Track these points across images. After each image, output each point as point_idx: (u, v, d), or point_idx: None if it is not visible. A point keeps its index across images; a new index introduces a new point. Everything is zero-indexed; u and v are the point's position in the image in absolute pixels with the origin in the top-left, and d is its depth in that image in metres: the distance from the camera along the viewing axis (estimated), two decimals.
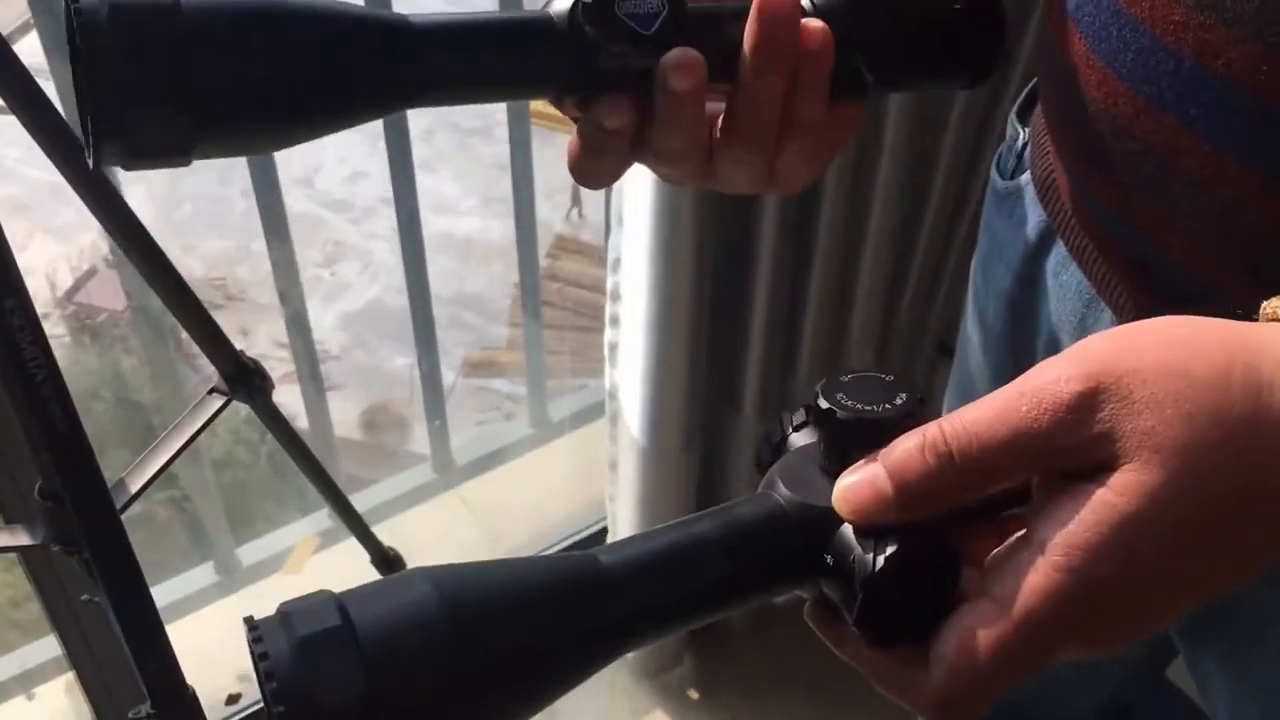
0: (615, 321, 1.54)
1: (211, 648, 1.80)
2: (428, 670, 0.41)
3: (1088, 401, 0.42)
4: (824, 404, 0.48)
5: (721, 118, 0.57)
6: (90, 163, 0.48)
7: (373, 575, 1.51)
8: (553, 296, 4.94)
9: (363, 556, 1.52)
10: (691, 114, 0.55)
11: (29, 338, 0.80)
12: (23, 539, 1.02)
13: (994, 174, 0.81)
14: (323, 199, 5.45)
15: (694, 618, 0.48)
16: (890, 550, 0.45)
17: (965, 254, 1.59)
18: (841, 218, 1.50)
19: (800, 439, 0.52)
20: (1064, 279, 0.72)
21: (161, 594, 1.68)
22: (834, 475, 0.47)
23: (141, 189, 4.77)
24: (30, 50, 1.20)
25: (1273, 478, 0.42)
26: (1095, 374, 0.43)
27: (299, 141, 0.51)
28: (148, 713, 0.97)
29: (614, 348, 1.58)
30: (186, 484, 2.16)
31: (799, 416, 0.52)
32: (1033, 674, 0.44)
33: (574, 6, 0.54)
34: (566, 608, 0.44)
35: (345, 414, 4.54)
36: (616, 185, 1.38)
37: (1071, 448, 0.43)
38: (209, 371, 1.20)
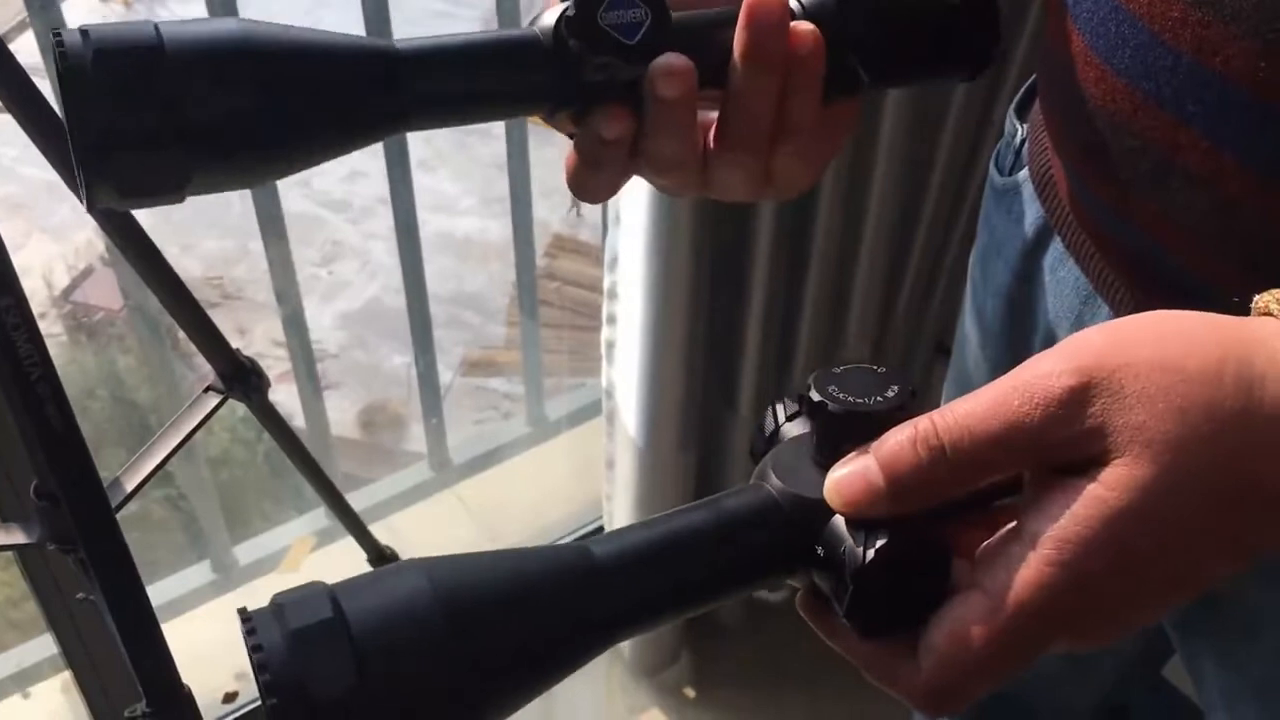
0: (612, 320, 1.54)
1: (208, 646, 1.80)
2: (420, 661, 0.41)
3: (1079, 396, 0.43)
4: (816, 396, 0.48)
5: (715, 124, 0.57)
6: (85, 205, 0.49)
7: None
8: (550, 296, 4.94)
9: (359, 555, 1.52)
10: (683, 120, 0.55)
11: (24, 336, 0.80)
12: (18, 538, 1.02)
13: (992, 170, 0.81)
14: (321, 198, 5.45)
15: (686, 607, 0.48)
16: (881, 542, 0.45)
17: (962, 251, 1.59)
18: (838, 216, 1.50)
19: (793, 430, 0.52)
20: (1061, 275, 0.72)
21: (158, 593, 1.68)
22: (826, 467, 0.47)
23: None
24: (27, 50, 1.20)
25: (1264, 471, 0.42)
26: (1087, 368, 0.43)
27: (292, 172, 0.51)
28: (144, 711, 0.97)
29: (611, 346, 1.58)
30: (183, 482, 2.16)
31: (791, 407, 0.52)
32: (1022, 667, 0.45)
33: (558, 22, 0.53)
34: (559, 598, 0.44)
35: (342, 413, 4.54)
36: None
37: (1063, 442, 0.43)
38: (206, 370, 1.20)
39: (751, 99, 0.55)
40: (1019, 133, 0.78)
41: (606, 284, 1.51)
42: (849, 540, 0.46)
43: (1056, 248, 0.72)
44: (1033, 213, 0.74)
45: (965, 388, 0.88)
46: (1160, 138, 0.58)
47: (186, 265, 4.85)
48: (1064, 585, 0.42)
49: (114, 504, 0.96)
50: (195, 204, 0.53)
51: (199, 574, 1.94)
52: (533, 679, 0.43)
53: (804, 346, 1.63)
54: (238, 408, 1.21)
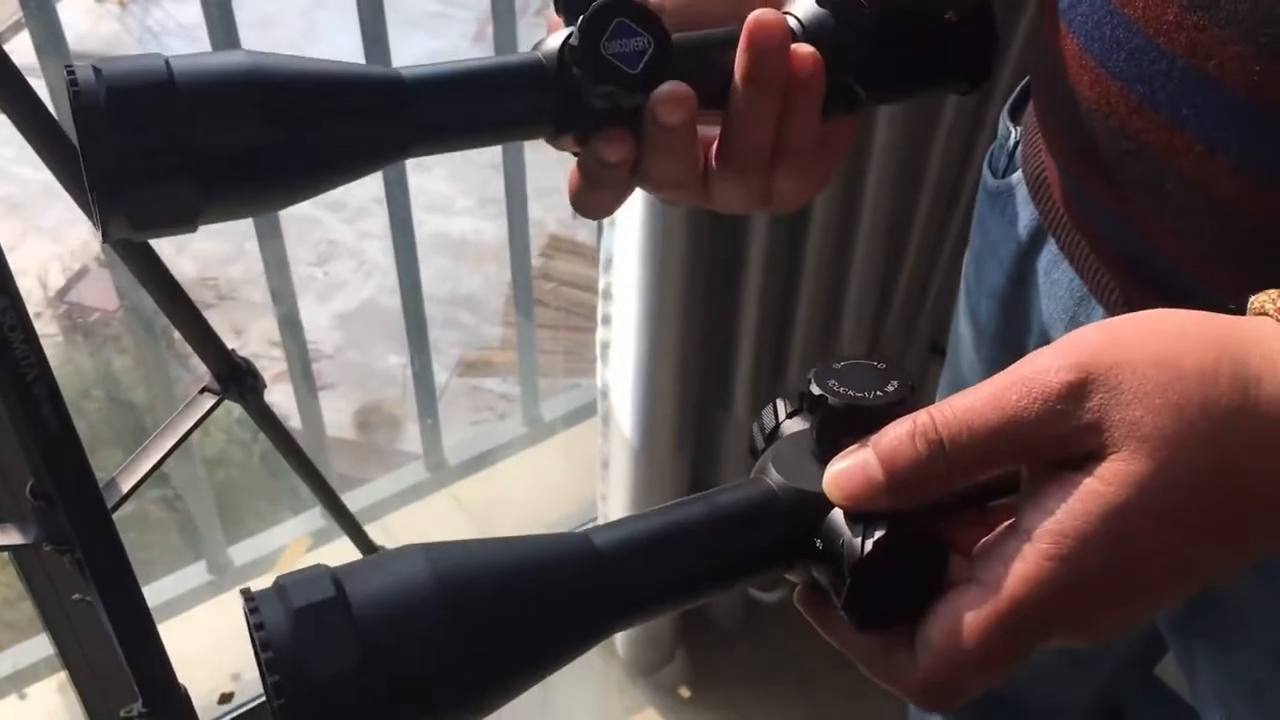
0: (607, 321, 1.54)
1: (204, 647, 1.80)
2: (421, 642, 0.41)
3: (1077, 391, 0.43)
4: (816, 390, 0.48)
5: (715, 144, 0.58)
6: (100, 236, 0.50)
7: None
8: (546, 296, 4.94)
9: (355, 555, 1.51)
10: (684, 144, 0.56)
11: (20, 337, 0.80)
12: (14, 538, 1.02)
13: (985, 172, 0.81)
14: (316, 198, 5.45)
15: (685, 598, 0.48)
16: (879, 535, 0.45)
17: (957, 253, 1.59)
18: (833, 217, 1.50)
19: (793, 425, 0.52)
20: (1056, 277, 0.72)
21: (154, 593, 1.68)
22: (825, 461, 0.48)
23: None
24: (23, 50, 1.20)
25: (1259, 469, 0.43)
26: (1085, 364, 0.43)
27: (300, 200, 0.52)
28: (140, 712, 0.97)
29: (606, 347, 1.58)
30: (179, 483, 2.16)
31: (791, 403, 0.53)
32: (1019, 662, 0.45)
33: (561, 48, 0.54)
34: (559, 585, 0.44)
35: (338, 413, 4.53)
36: None
37: (1061, 437, 0.43)
38: (201, 371, 1.20)
39: (752, 120, 0.55)
40: (1013, 135, 0.78)
41: (601, 285, 1.51)
42: (847, 533, 0.46)
43: (1051, 249, 0.73)
44: (1027, 215, 0.75)
45: (959, 387, 0.88)
46: (1155, 141, 0.58)
47: (182, 265, 4.85)
48: (1061, 579, 0.43)
49: (110, 504, 0.96)
50: None
51: (195, 574, 1.94)
52: (532, 664, 0.44)
53: (798, 347, 1.63)
54: (233, 408, 1.21)
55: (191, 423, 1.16)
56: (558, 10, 0.56)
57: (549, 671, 0.44)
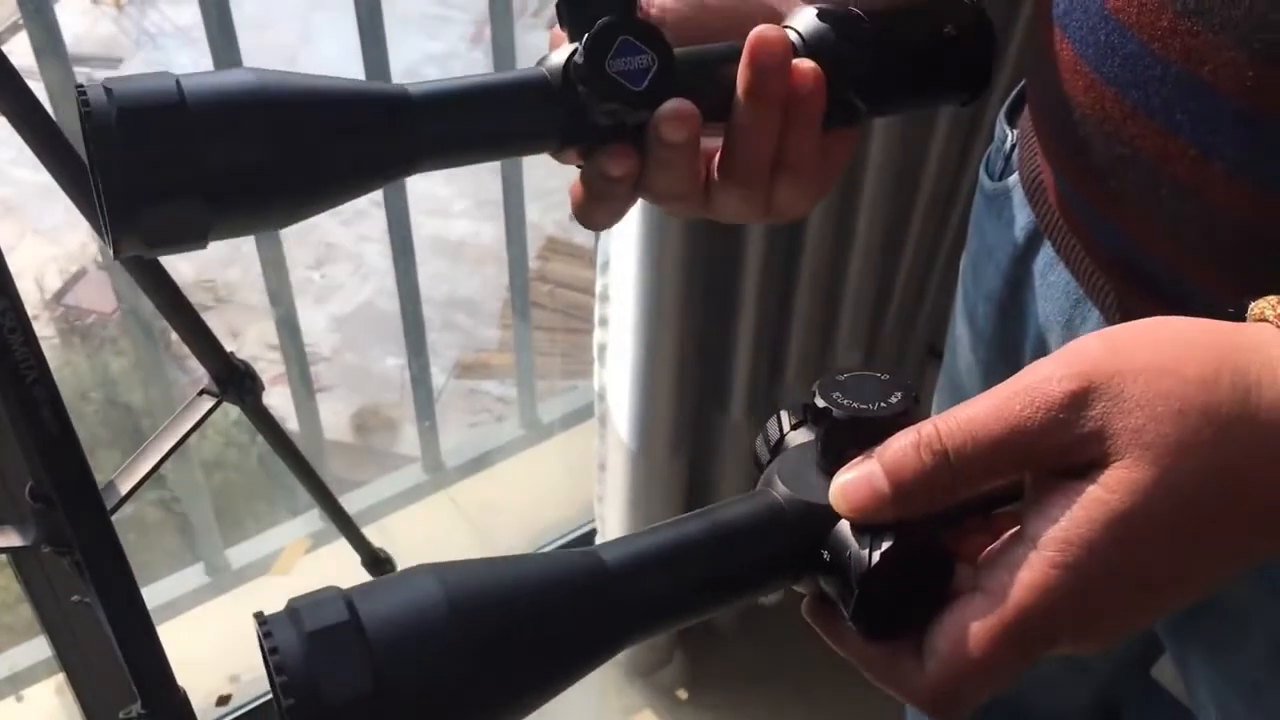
0: (604, 323, 1.54)
1: (202, 649, 1.80)
2: (435, 664, 0.41)
3: (1080, 400, 0.43)
4: (820, 403, 0.49)
5: (717, 156, 0.58)
6: (111, 253, 0.50)
7: (363, 576, 1.51)
8: (543, 298, 4.94)
9: (353, 557, 1.52)
10: (687, 160, 0.56)
11: (20, 339, 0.81)
12: (14, 540, 1.02)
13: (982, 175, 0.82)
14: None
15: (695, 612, 0.48)
16: (886, 546, 0.45)
17: (954, 255, 1.59)
18: (830, 220, 1.50)
19: (797, 437, 0.52)
20: (1052, 279, 0.73)
21: (151, 595, 1.68)
22: (830, 473, 0.48)
23: None
24: (21, 51, 1.20)
25: (1261, 474, 0.43)
26: (1087, 373, 0.44)
27: (309, 216, 0.53)
28: (138, 713, 0.97)
29: (603, 349, 1.58)
30: (176, 485, 2.16)
31: (795, 415, 0.53)
32: (1025, 669, 0.45)
33: (566, 65, 0.54)
34: (569, 604, 0.45)
35: (336, 415, 4.53)
36: None
37: (1064, 445, 0.43)
38: (199, 373, 1.20)
39: (753, 134, 0.56)
40: (1009, 138, 0.79)
41: (599, 287, 1.51)
42: (854, 545, 0.46)
43: (1047, 252, 0.73)
44: (1023, 218, 0.75)
45: (956, 391, 0.89)
46: (1149, 146, 0.58)
47: (179, 268, 4.85)
48: (1066, 587, 0.43)
49: (109, 506, 0.96)
50: None
51: (193, 576, 1.94)
52: (544, 683, 0.44)
53: (796, 349, 1.63)
54: (231, 411, 1.21)
55: (190, 425, 1.17)
56: (561, 24, 0.56)
57: (561, 689, 0.45)
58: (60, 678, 1.64)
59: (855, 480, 0.46)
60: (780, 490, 0.49)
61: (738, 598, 0.49)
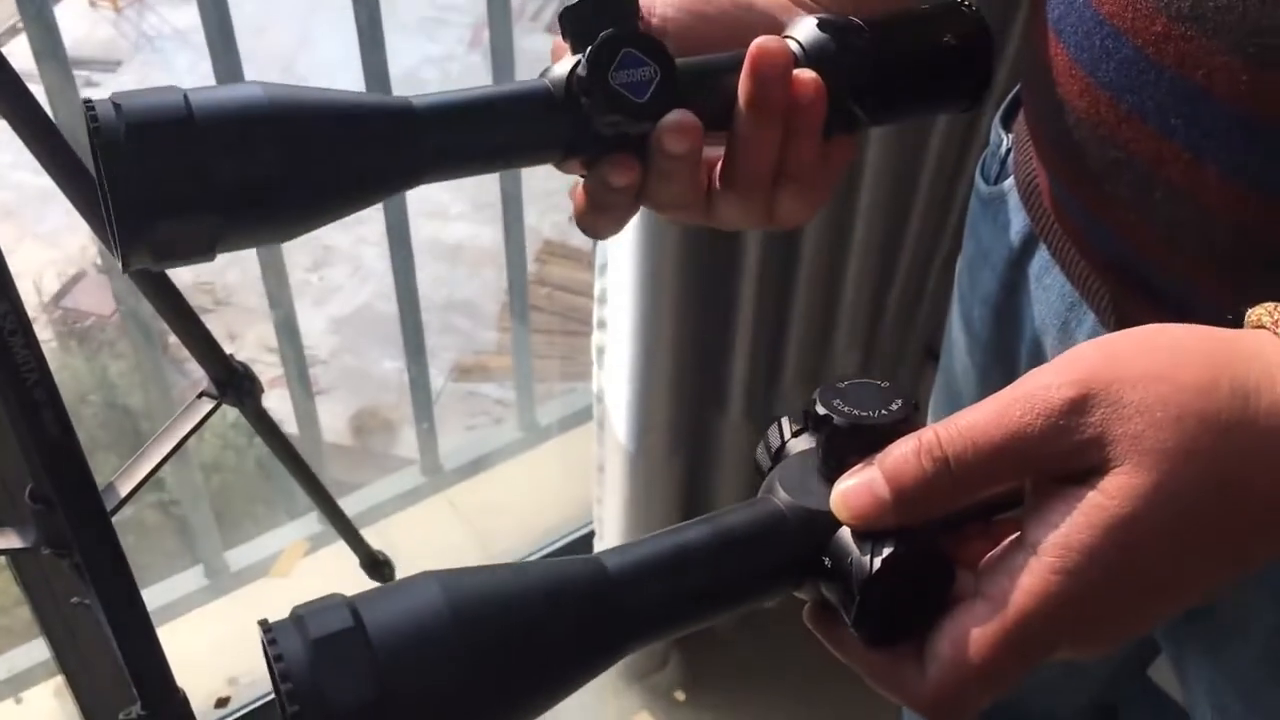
0: (603, 325, 1.54)
1: (200, 651, 1.80)
2: (438, 671, 0.41)
3: (1079, 406, 0.44)
4: (821, 410, 0.49)
5: (719, 165, 0.58)
6: (120, 266, 0.50)
7: (361, 578, 1.51)
8: (541, 301, 4.94)
9: (352, 560, 1.52)
10: (689, 170, 0.57)
11: (21, 342, 0.81)
12: (13, 542, 1.02)
13: (977, 179, 0.82)
14: None
15: (698, 619, 0.49)
16: (887, 552, 0.46)
17: (951, 257, 1.60)
18: (828, 223, 1.50)
19: (798, 445, 0.52)
20: (1047, 283, 0.73)
21: (150, 598, 1.68)
22: (831, 480, 0.48)
23: None
24: (21, 54, 1.21)
25: (1259, 480, 0.43)
26: (1086, 380, 0.44)
27: (315, 228, 0.53)
28: (138, 714, 0.97)
29: (601, 351, 1.58)
30: (175, 488, 2.16)
31: (796, 423, 0.53)
32: (1026, 674, 0.45)
33: (570, 77, 0.55)
34: (572, 611, 0.45)
35: (334, 418, 4.54)
36: None
37: (1064, 452, 0.44)
38: (197, 376, 1.20)
39: (754, 144, 0.56)
40: (1004, 142, 0.79)
41: (597, 289, 1.52)
42: (856, 551, 0.47)
43: (1042, 256, 0.73)
44: (1018, 221, 0.75)
45: (953, 394, 0.89)
46: (1143, 150, 0.59)
47: (178, 271, 4.85)
48: (1067, 592, 0.43)
49: (109, 508, 0.96)
50: None
51: (191, 579, 1.94)
52: (547, 690, 0.44)
53: (794, 351, 1.63)
54: (229, 414, 1.21)
55: (189, 427, 1.17)
56: (564, 35, 0.56)
57: (563, 696, 0.45)
58: (59, 680, 1.64)
59: (856, 487, 0.47)
60: (781, 497, 0.49)
61: (740, 605, 0.49)
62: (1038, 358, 0.75)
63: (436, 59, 6.63)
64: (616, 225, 0.60)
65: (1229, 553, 0.45)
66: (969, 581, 0.47)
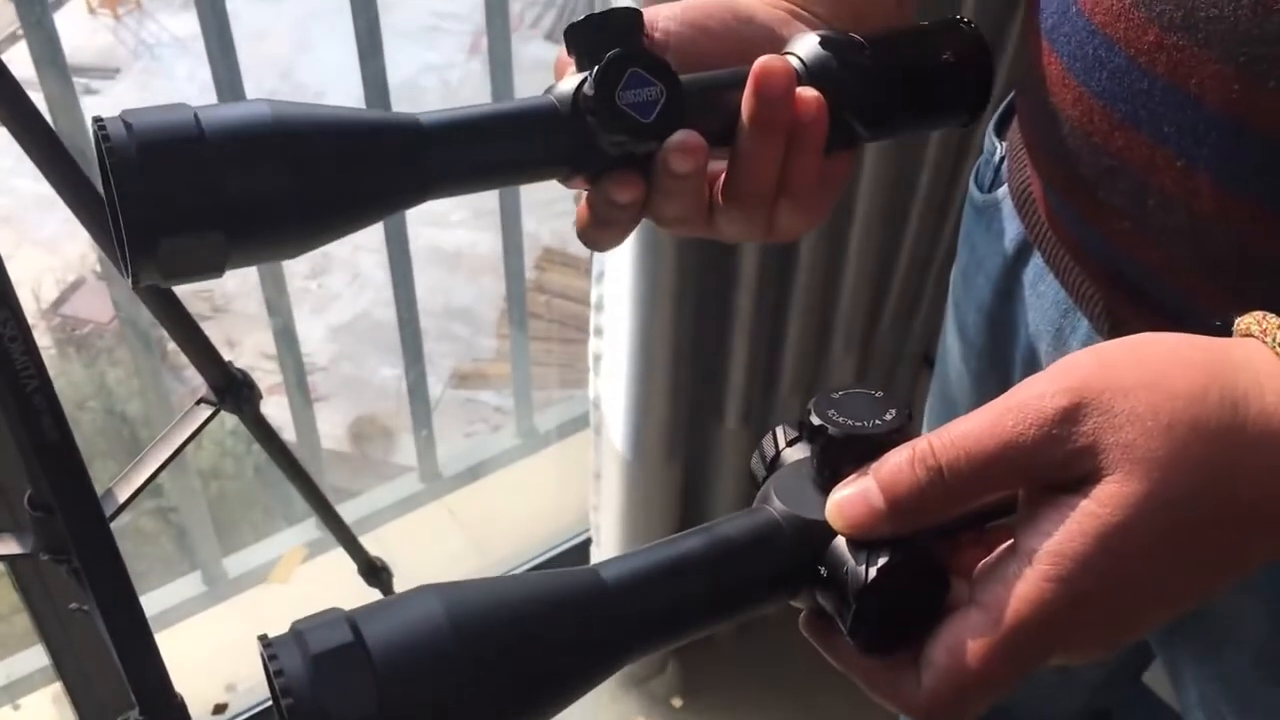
0: (599, 332, 1.55)
1: (198, 658, 1.80)
2: (438, 684, 0.42)
3: (1071, 415, 0.44)
4: (816, 420, 0.49)
5: (721, 181, 0.59)
6: (130, 283, 0.50)
7: (360, 585, 1.52)
8: (540, 309, 4.94)
9: (350, 566, 1.52)
10: (693, 189, 0.57)
11: (21, 348, 0.81)
12: (12, 548, 1.03)
13: (972, 187, 0.82)
14: None
15: (694, 629, 0.49)
16: (882, 561, 0.46)
17: (947, 264, 1.60)
18: (824, 230, 1.51)
19: (793, 454, 0.53)
20: (1041, 289, 0.73)
21: (148, 604, 1.68)
22: (826, 489, 0.49)
23: None
24: (21, 60, 1.21)
25: (1250, 487, 0.44)
26: (1078, 389, 0.44)
27: (324, 244, 0.53)
28: (136, 719, 0.98)
29: (598, 358, 1.58)
30: (173, 494, 2.16)
31: (792, 432, 0.54)
32: (1020, 680, 0.46)
33: (576, 95, 0.55)
34: (571, 624, 0.45)
35: (332, 425, 4.54)
36: None
37: (1056, 461, 0.44)
38: (196, 384, 1.21)
39: (757, 160, 0.57)
40: (998, 150, 0.79)
41: (594, 296, 1.52)
42: (851, 560, 0.47)
43: (1036, 263, 0.74)
44: (1012, 229, 0.76)
45: (948, 400, 0.90)
46: (1136, 158, 0.59)
47: None
48: (1061, 600, 0.44)
49: (107, 514, 0.97)
50: None
51: (189, 585, 1.94)
52: (547, 702, 0.45)
53: (790, 357, 1.64)
54: (226, 422, 1.22)
55: (188, 433, 1.17)
56: (568, 51, 0.57)
57: (563, 707, 0.45)
58: (57, 686, 1.64)
59: (851, 497, 0.47)
60: (777, 507, 0.50)
61: (736, 614, 0.50)
62: (1032, 364, 0.75)
63: (436, 66, 6.64)
64: (619, 239, 0.61)
65: (1221, 559, 0.45)
66: (964, 590, 0.47)
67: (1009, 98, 0.79)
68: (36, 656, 1.77)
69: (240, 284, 4.99)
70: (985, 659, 0.45)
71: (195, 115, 0.49)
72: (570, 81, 0.56)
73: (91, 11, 7.33)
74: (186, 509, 1.91)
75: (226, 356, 1.19)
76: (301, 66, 6.65)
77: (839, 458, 0.49)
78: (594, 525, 1.81)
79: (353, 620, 0.42)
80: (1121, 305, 0.66)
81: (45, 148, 0.95)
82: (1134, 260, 0.63)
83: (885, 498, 0.46)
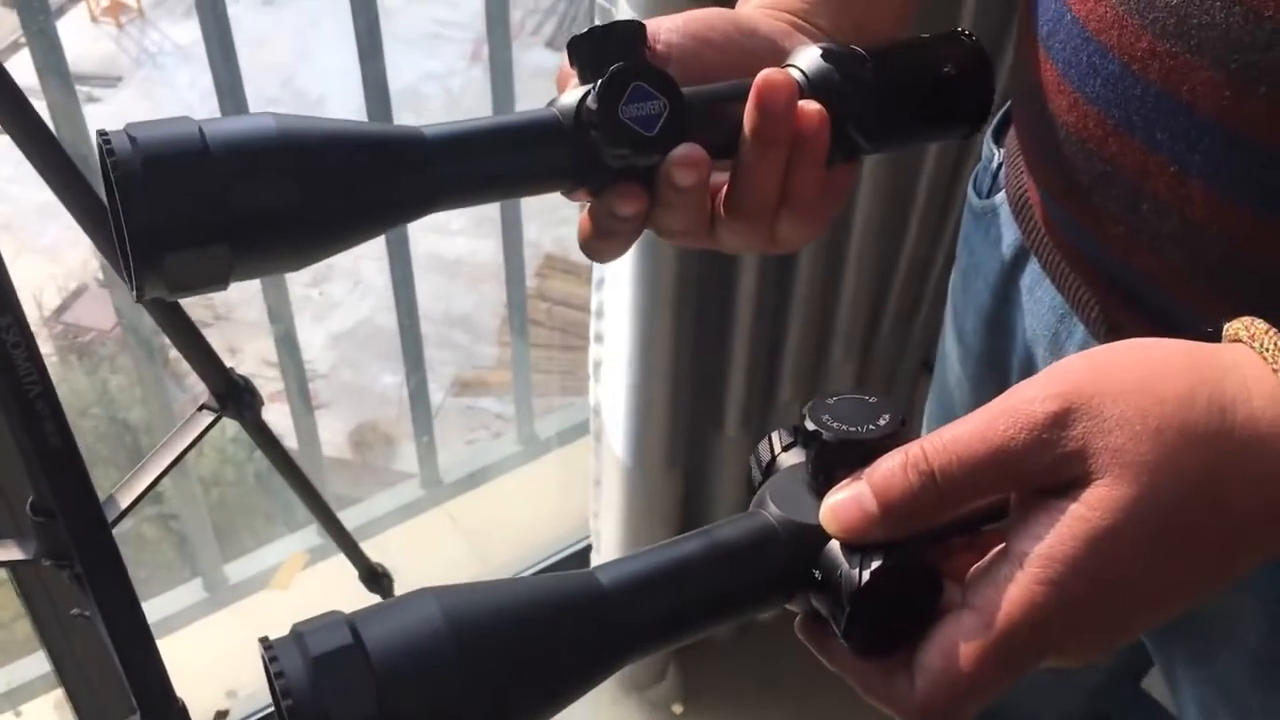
0: (600, 339, 1.55)
1: (199, 664, 1.80)
2: (436, 687, 0.42)
3: (1061, 420, 0.45)
4: (810, 425, 0.50)
5: (723, 192, 0.59)
6: (134, 296, 0.51)
7: (361, 591, 1.52)
8: (541, 316, 4.95)
9: (351, 573, 1.52)
10: (696, 202, 0.57)
11: (24, 355, 0.81)
12: (14, 554, 1.03)
13: (970, 193, 0.83)
14: None
15: (690, 631, 0.49)
16: (876, 565, 0.46)
17: (947, 270, 1.60)
18: (825, 236, 1.51)
19: (789, 459, 0.53)
20: (1038, 295, 0.74)
21: (149, 611, 1.68)
22: (821, 494, 0.49)
23: None
24: (24, 68, 1.21)
25: (1237, 491, 0.44)
26: (1068, 394, 0.45)
27: (328, 256, 0.53)
28: None
29: (598, 365, 1.59)
30: (174, 501, 2.17)
31: (787, 437, 0.54)
32: (1013, 683, 0.46)
33: (579, 108, 0.55)
34: (569, 626, 0.46)
35: (333, 433, 4.54)
36: None
37: (1046, 465, 0.45)
38: (197, 391, 1.21)
39: (758, 173, 0.57)
40: (995, 157, 0.80)
41: (594, 303, 1.52)
42: (845, 564, 0.47)
43: (1033, 268, 0.74)
44: (1010, 234, 0.76)
45: (946, 404, 0.90)
46: (1130, 164, 0.59)
47: None
48: (1051, 602, 0.44)
49: (109, 520, 0.97)
50: None
51: (191, 592, 1.94)
52: (544, 703, 0.45)
53: (790, 364, 1.64)
54: (227, 430, 1.22)
55: (190, 440, 1.17)
56: (571, 63, 0.57)
57: (560, 708, 0.46)
58: (59, 693, 1.64)
59: (845, 501, 0.48)
60: (772, 511, 0.50)
61: (731, 617, 0.50)
62: (1029, 369, 0.76)
63: (437, 74, 6.65)
64: (621, 250, 0.61)
65: (1210, 562, 0.45)
66: (956, 593, 0.48)
67: (1006, 105, 0.80)
68: (38, 663, 1.78)
69: (241, 291, 4.99)
70: (977, 661, 0.45)
71: (200, 129, 0.49)
72: (573, 94, 0.56)
73: (94, 20, 7.35)
74: (188, 515, 1.91)
75: (228, 364, 1.20)
76: (302, 74, 6.66)
77: (833, 462, 0.49)
78: (594, 532, 1.81)
79: (352, 623, 0.42)
80: (1117, 311, 0.67)
81: (48, 155, 0.95)
82: (1129, 266, 0.64)
83: (878, 502, 0.47)
